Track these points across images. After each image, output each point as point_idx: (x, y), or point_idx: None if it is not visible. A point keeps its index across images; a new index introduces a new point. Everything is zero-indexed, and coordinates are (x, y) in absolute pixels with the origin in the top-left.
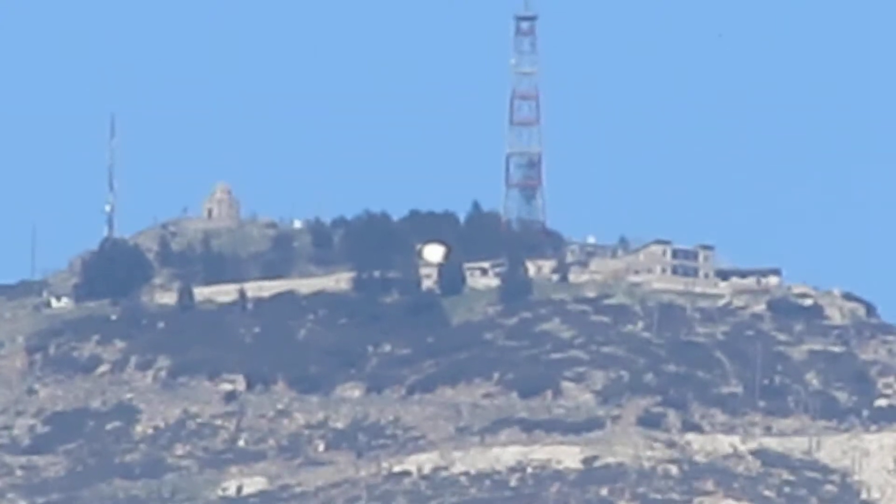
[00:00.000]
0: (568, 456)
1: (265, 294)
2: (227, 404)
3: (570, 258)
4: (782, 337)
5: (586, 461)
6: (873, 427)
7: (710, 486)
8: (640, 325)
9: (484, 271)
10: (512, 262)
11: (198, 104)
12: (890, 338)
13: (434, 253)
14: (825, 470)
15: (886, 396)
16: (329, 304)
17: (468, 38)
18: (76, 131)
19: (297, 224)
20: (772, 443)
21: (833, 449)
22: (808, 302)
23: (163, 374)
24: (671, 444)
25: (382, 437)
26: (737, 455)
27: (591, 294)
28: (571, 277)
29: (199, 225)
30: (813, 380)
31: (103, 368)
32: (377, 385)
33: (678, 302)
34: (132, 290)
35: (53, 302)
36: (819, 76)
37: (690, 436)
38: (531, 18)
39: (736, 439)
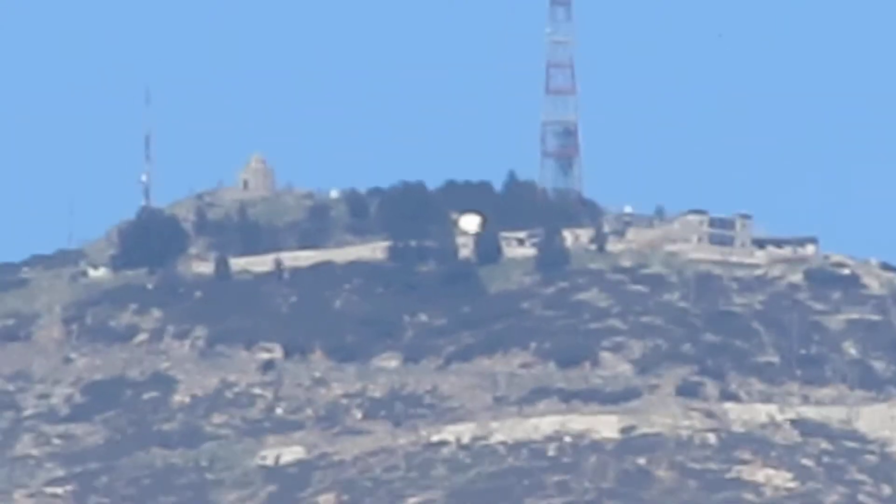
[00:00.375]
0: (606, 426)
1: (301, 264)
2: (264, 373)
3: (606, 228)
4: (819, 306)
5: (624, 431)
6: None
7: (747, 455)
8: (677, 294)
9: (520, 241)
10: (548, 231)
11: (233, 75)
12: None
13: (470, 222)
14: (863, 439)
15: None
16: (365, 273)
17: (503, 8)
18: (112, 102)
19: (333, 194)
20: (809, 412)
21: (871, 418)
22: (846, 271)
23: (200, 343)
24: (709, 414)
25: (420, 407)
26: (774, 424)
27: (627, 263)
28: (608, 247)
29: (236, 195)
30: (850, 349)
31: (140, 338)
32: (414, 355)
33: (715, 271)
34: (169, 259)
35: (90, 271)
36: (856, 49)
37: (728, 405)
38: None
39: (773, 408)
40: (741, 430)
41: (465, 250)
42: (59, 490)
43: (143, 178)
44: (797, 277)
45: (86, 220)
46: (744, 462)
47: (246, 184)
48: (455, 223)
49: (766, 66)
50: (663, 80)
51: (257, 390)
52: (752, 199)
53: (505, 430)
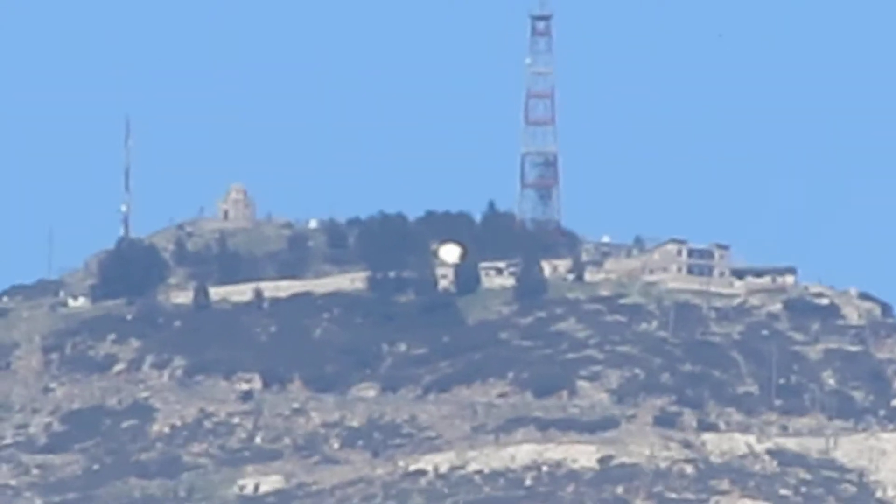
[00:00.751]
0: (583, 455)
1: (281, 294)
2: (243, 403)
3: (585, 257)
4: (798, 336)
5: (602, 460)
6: (889, 426)
7: (725, 485)
8: (656, 324)
9: (499, 271)
10: (527, 261)
11: (213, 105)
12: None
13: (449, 253)
14: (841, 469)
15: None
16: (344, 303)
17: (484, 38)
18: (92, 132)
19: (313, 224)
20: (788, 442)
21: (849, 448)
22: (824, 301)
23: (179, 373)
24: (687, 444)
25: (398, 436)
26: (753, 454)
27: (606, 293)
28: (587, 277)
29: (215, 225)
30: (829, 379)
31: (119, 367)
32: (392, 384)
33: (694, 301)
34: (148, 289)
35: (70, 301)
36: (834, 77)
37: (706, 435)
38: (546, 18)
39: (752, 439)
40: (719, 460)
41: (444, 280)
42: None
43: (123, 207)
44: (776, 307)
45: (65, 250)
46: (722, 492)
47: (226, 214)
48: (434, 253)
49: (744, 98)
50: (642, 110)
51: (236, 420)
52: (731, 229)
53: (482, 460)
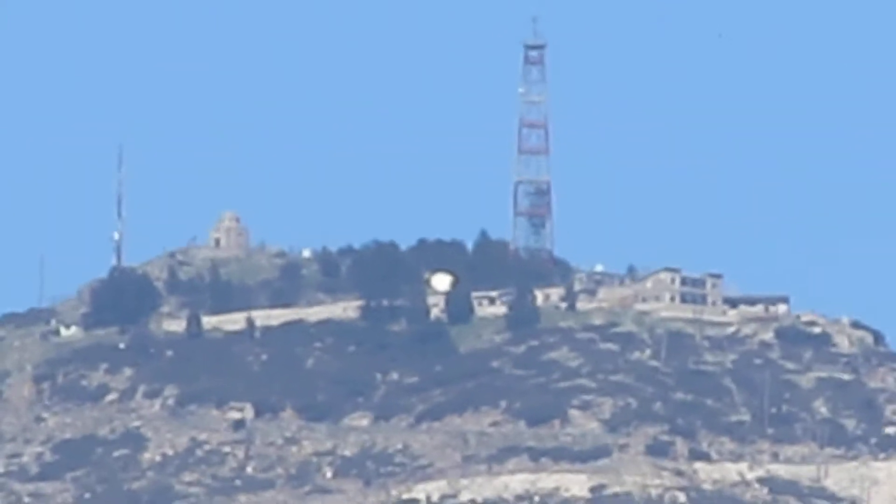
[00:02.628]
0: (575, 484)
1: (273, 322)
2: (235, 432)
3: (577, 286)
4: (790, 365)
5: (594, 489)
6: (881, 455)
7: None
8: (648, 353)
9: (492, 300)
10: (520, 290)
11: (205, 133)
12: None
13: (442, 281)
14: (833, 498)
15: (895, 424)
16: (337, 332)
17: (477, 67)
18: (84, 160)
19: (306, 253)
20: (780, 470)
21: (841, 477)
22: (817, 330)
23: (171, 402)
24: (679, 473)
25: (390, 465)
26: (745, 483)
27: (598, 322)
28: (579, 305)
29: (207, 253)
30: (821, 408)
31: (111, 397)
32: (385, 413)
33: (686, 330)
34: (140, 318)
35: (62, 330)
36: (829, 105)
37: (698, 464)
38: (540, 47)
39: (744, 467)
40: (711, 488)
41: (437, 309)
42: None
43: (115, 236)
44: (768, 336)
45: (57, 279)
46: None
47: (218, 242)
48: (427, 282)
49: (737, 130)
50: (635, 140)
51: (228, 449)
52: (724, 258)
53: (475, 489)
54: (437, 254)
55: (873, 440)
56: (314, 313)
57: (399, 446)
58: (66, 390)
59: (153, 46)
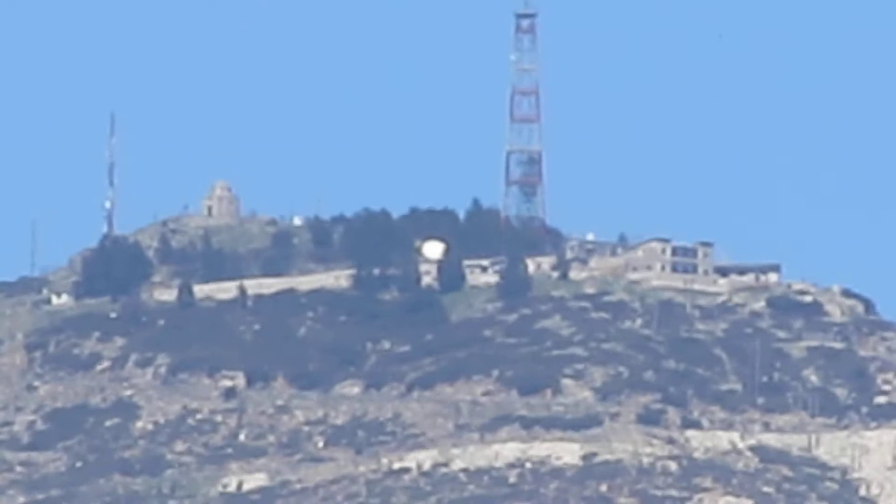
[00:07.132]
0: (567, 452)
1: (265, 291)
2: (226, 401)
3: (569, 255)
4: (781, 334)
5: (585, 458)
6: (872, 424)
7: (708, 482)
8: (640, 321)
9: (483, 268)
10: (511, 259)
11: (197, 102)
12: (889, 334)
13: (433, 250)
14: (824, 467)
15: (885, 393)
16: (328, 301)
17: (468, 36)
18: (76, 128)
19: (297, 221)
20: (771, 439)
21: (832, 446)
22: (808, 299)
23: (162, 370)
24: (670, 441)
25: (382, 434)
26: (736, 452)
27: (590, 291)
28: (571, 274)
29: (199, 222)
30: (812, 376)
31: (103, 365)
32: (376, 382)
33: (677, 299)
34: (132, 287)
35: (53, 299)
36: (818, 74)
37: (689, 432)
38: (531, 16)
39: (735, 436)
40: (702, 457)
41: (428, 278)
42: None
43: (107, 204)
44: (759, 305)
45: (48, 248)
46: (705, 489)
47: (210, 210)
48: (418, 250)
49: (727, 96)
50: (627, 108)
51: (220, 417)
52: (715, 227)
53: (466, 458)
54: (429, 222)
55: (864, 409)
56: (306, 282)
57: (390, 415)
58: (57, 359)
59: (145, 14)
